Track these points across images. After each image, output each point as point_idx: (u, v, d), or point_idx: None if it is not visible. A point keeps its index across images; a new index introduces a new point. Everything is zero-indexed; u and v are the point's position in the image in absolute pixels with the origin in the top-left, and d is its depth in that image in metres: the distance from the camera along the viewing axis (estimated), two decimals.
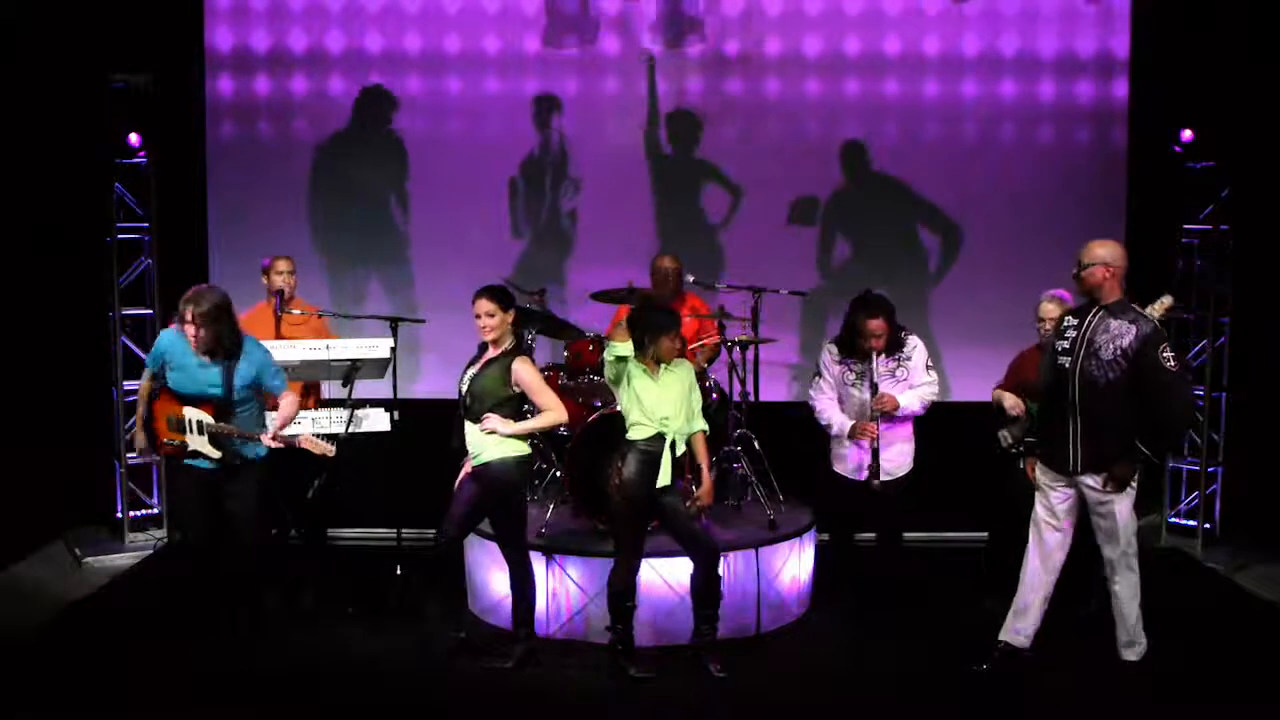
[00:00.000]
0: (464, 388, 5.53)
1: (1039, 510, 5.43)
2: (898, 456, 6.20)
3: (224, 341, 5.29)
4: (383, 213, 8.09)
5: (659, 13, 7.98)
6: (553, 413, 5.49)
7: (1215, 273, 7.71)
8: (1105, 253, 5.25)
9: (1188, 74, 7.52)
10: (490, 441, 5.46)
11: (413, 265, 8.06)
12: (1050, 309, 5.97)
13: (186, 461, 5.33)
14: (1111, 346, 5.15)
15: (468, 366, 5.60)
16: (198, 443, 5.29)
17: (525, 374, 5.47)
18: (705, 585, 5.50)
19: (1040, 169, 7.97)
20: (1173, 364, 5.11)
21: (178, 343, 5.35)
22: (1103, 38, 7.92)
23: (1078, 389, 5.22)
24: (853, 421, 6.13)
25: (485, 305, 5.47)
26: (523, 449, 5.54)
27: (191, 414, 5.29)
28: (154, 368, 5.45)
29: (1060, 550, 5.41)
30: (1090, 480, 5.26)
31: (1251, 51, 7.34)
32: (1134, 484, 5.27)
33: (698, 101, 8.00)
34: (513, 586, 5.65)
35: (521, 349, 5.65)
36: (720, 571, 5.53)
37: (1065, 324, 5.36)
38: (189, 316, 5.23)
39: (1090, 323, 5.24)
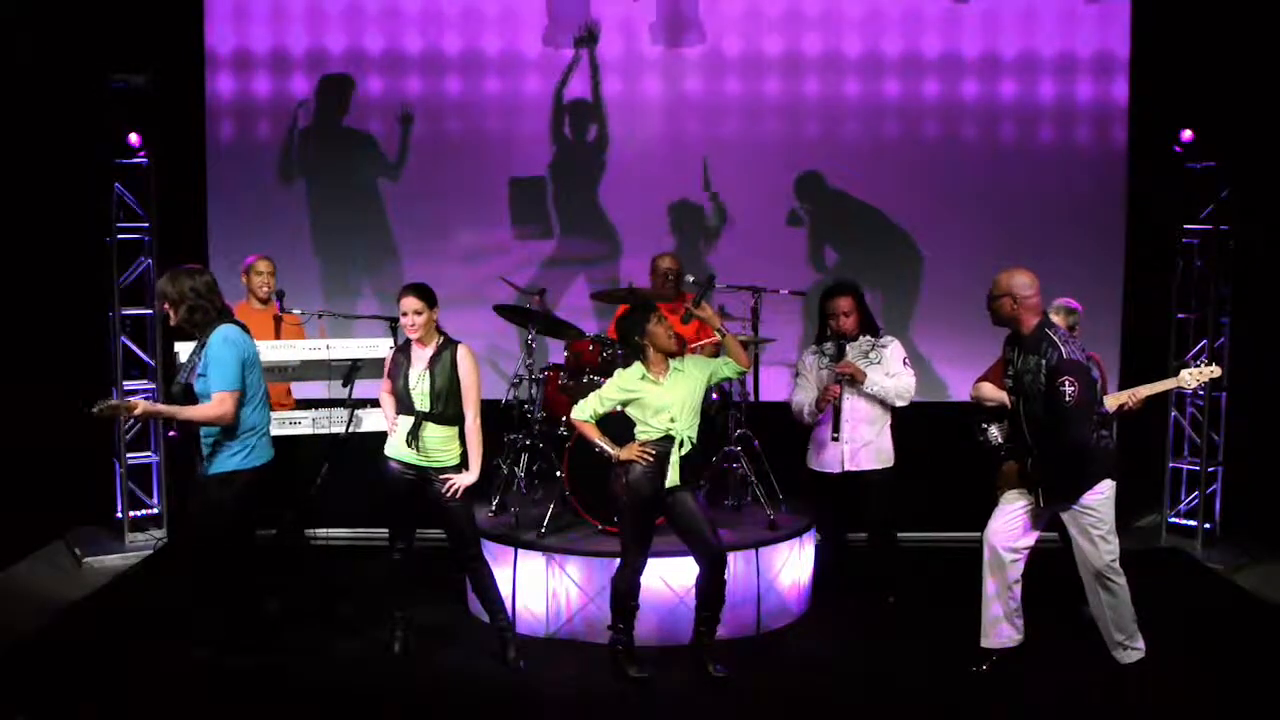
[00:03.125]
0: (415, 389, 5.42)
1: (997, 523, 5.35)
2: (871, 449, 6.22)
3: (188, 327, 5.13)
4: (382, 213, 8.08)
5: (659, 13, 7.98)
6: (476, 422, 5.44)
7: (1215, 273, 7.71)
8: (1013, 283, 5.12)
9: (1188, 74, 7.52)
10: (449, 448, 5.45)
11: (412, 265, 8.05)
12: (1059, 320, 5.95)
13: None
14: (1036, 385, 5.08)
15: (400, 372, 5.48)
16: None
17: (469, 367, 5.43)
18: (709, 588, 5.47)
19: (1040, 169, 7.97)
20: (1069, 399, 4.96)
21: None
22: (1103, 38, 7.92)
23: (1028, 431, 5.19)
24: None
25: (413, 303, 5.38)
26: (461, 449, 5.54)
27: None
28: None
29: (1019, 563, 5.35)
30: (1058, 509, 5.23)
31: (1251, 51, 7.34)
32: (1106, 495, 5.20)
33: (697, 101, 8.00)
34: (481, 586, 5.64)
35: (451, 340, 5.53)
36: (725, 575, 5.50)
37: (1006, 355, 5.31)
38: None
39: (1017, 362, 5.19)
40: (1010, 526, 5.34)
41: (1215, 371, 5.51)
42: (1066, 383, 4.96)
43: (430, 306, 5.41)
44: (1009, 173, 7.97)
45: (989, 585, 5.38)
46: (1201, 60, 7.45)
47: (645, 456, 5.34)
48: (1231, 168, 7.52)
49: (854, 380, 6.13)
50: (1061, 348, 5.03)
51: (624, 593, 5.47)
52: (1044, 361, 5.04)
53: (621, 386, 5.42)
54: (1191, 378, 5.63)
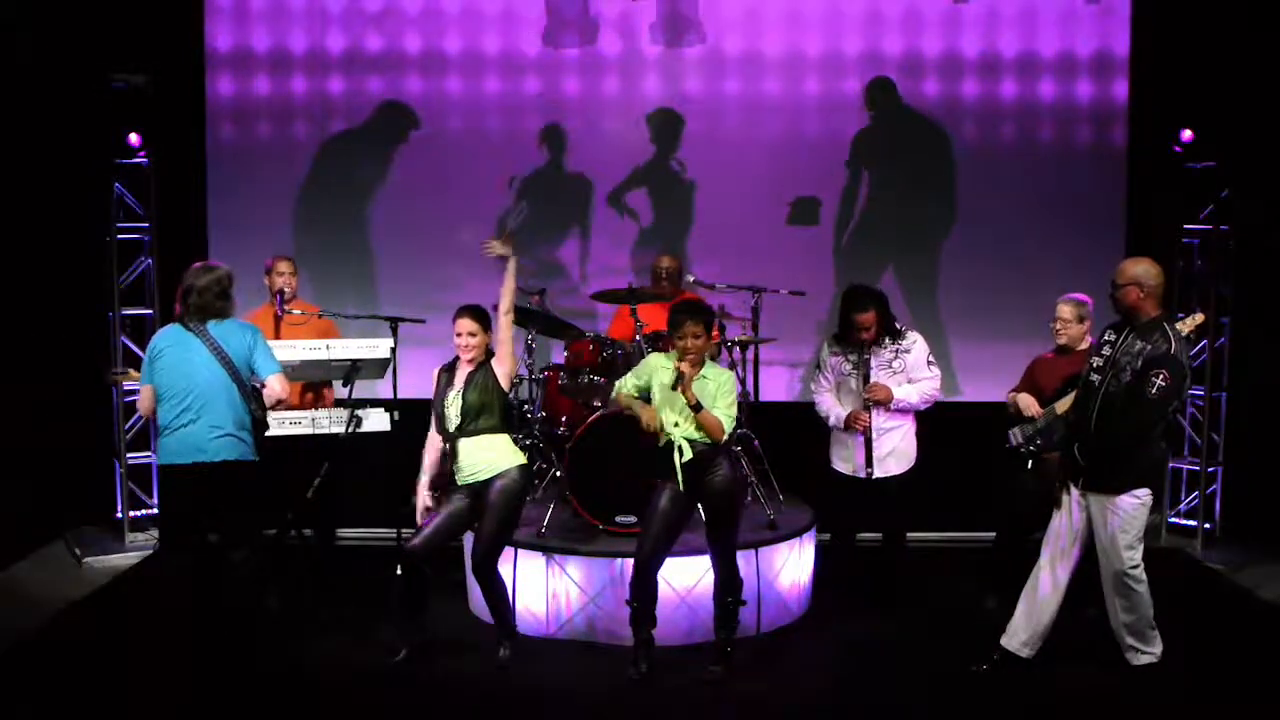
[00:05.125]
0: (450, 409, 5.44)
1: (1060, 526, 5.33)
2: (896, 454, 6.20)
3: None
4: (382, 213, 8.08)
5: (659, 13, 7.98)
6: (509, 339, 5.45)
7: (1215, 273, 7.70)
8: (1138, 271, 5.13)
9: (1188, 74, 7.52)
10: (499, 458, 5.42)
11: (412, 265, 8.05)
12: (1067, 310, 6.03)
13: None
14: (1129, 368, 5.07)
15: (441, 393, 5.50)
16: None
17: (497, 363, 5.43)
18: (720, 604, 5.53)
19: (1040, 169, 7.97)
20: (1155, 390, 4.97)
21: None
22: (1103, 38, 7.92)
23: (1098, 408, 5.15)
24: (848, 411, 6.15)
25: (468, 325, 5.41)
26: (522, 457, 5.53)
27: None
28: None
29: (1046, 571, 5.36)
30: (1092, 498, 5.21)
31: (1251, 51, 7.34)
32: (1143, 502, 5.16)
33: (697, 101, 8.00)
34: (500, 595, 5.60)
35: (490, 355, 5.53)
36: (742, 598, 5.56)
37: (1104, 339, 5.28)
38: None
39: (1118, 345, 5.17)
40: (1052, 531, 5.35)
41: (1199, 318, 5.44)
42: (1162, 375, 4.97)
43: (485, 329, 5.42)
44: (1009, 173, 7.97)
45: (1043, 589, 5.37)
46: (1201, 60, 7.44)
47: (652, 426, 5.32)
48: (1231, 168, 7.51)
49: (882, 403, 6.12)
50: (1174, 343, 5.04)
51: (638, 566, 5.38)
52: (1149, 348, 5.03)
53: (651, 363, 5.44)
54: (1182, 328, 5.38)
